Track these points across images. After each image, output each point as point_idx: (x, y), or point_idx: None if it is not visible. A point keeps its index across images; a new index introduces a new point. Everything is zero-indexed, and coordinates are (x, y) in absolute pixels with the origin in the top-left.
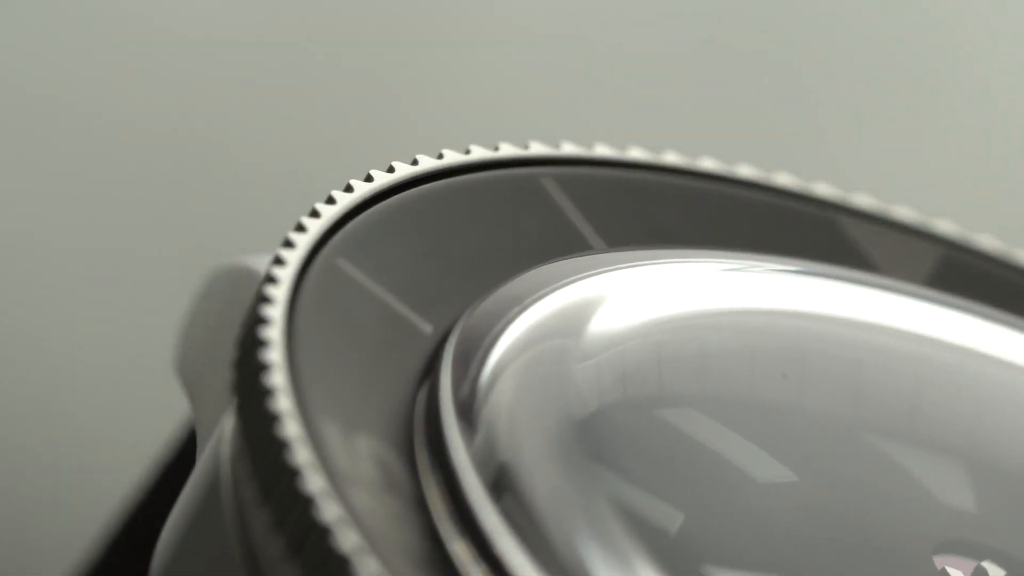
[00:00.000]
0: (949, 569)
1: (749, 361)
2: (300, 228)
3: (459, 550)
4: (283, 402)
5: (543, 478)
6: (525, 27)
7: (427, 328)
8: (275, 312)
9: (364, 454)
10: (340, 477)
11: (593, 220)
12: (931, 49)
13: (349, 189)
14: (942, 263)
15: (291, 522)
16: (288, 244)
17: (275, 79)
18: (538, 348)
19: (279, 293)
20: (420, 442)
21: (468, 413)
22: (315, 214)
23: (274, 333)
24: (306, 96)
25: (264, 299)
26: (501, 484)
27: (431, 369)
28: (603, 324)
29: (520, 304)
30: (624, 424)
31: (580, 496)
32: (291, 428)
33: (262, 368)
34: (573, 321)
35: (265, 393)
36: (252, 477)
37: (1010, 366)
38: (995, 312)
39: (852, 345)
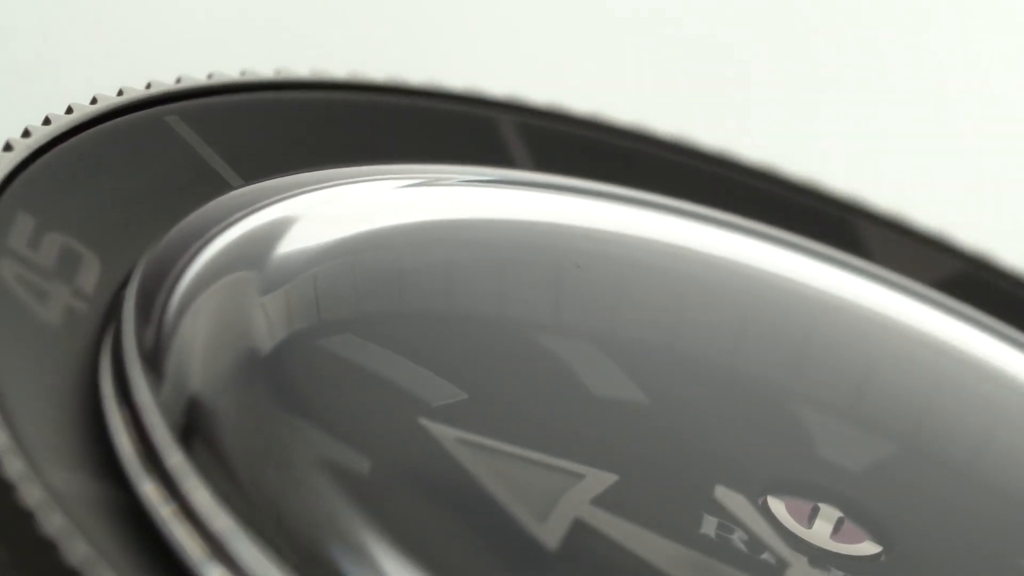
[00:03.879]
0: (773, 503)
1: (439, 276)
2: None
3: (149, 491)
4: None
5: (228, 414)
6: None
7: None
8: None
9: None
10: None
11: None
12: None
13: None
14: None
15: None
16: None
17: None
18: (220, 283)
19: None
20: (107, 391)
21: (154, 355)
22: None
23: None
24: None
25: None
26: (188, 423)
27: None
28: (285, 252)
29: (199, 239)
30: (309, 353)
31: (265, 431)
32: None
33: None
34: (254, 251)
35: None
36: None
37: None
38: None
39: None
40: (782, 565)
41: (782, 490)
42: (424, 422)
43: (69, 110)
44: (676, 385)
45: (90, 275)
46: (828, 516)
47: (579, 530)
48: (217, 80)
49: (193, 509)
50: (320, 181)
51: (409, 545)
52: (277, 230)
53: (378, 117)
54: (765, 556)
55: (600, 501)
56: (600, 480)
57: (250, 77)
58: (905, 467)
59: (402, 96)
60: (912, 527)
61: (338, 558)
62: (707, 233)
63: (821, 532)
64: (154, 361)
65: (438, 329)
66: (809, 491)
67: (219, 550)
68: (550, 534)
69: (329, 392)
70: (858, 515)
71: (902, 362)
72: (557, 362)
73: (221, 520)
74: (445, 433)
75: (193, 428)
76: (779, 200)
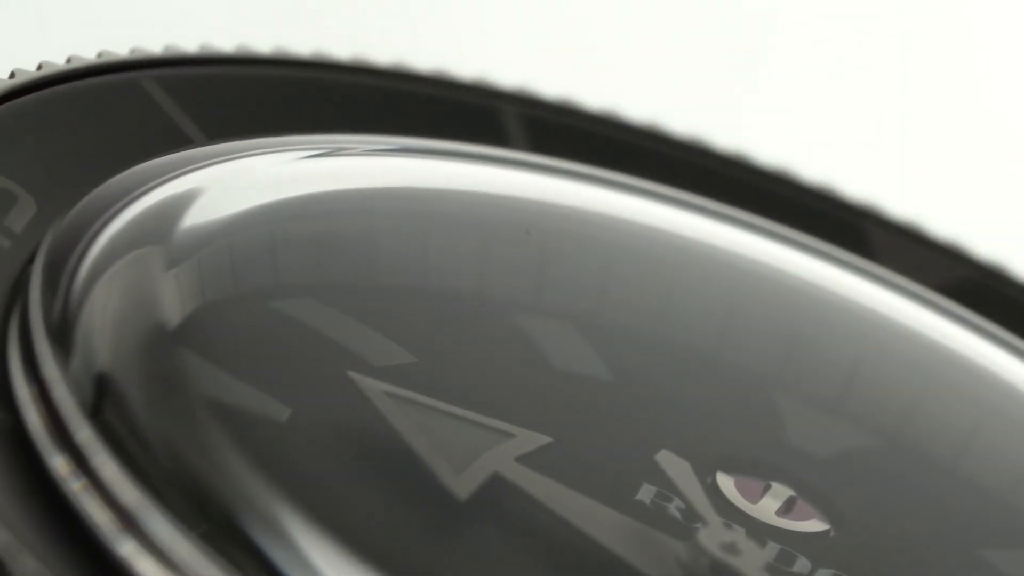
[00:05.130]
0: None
1: (344, 245)
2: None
3: (58, 465)
4: None
5: (136, 388)
6: None
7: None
8: None
9: None
10: None
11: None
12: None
13: None
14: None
15: None
16: None
17: None
18: (126, 258)
19: None
20: (15, 365)
21: (62, 331)
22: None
23: None
24: None
25: None
26: (97, 398)
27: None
28: (189, 226)
29: (104, 213)
30: (216, 326)
31: (174, 403)
32: None
33: None
34: (158, 226)
35: None
36: None
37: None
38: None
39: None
40: (713, 535)
41: (737, 469)
42: (344, 382)
43: (40, 67)
44: (645, 363)
45: (23, 216)
46: (778, 494)
47: (496, 484)
48: (204, 51)
49: (103, 483)
50: (224, 153)
51: (318, 511)
52: (181, 204)
53: (380, 101)
54: (696, 525)
55: (528, 460)
56: (531, 441)
57: (242, 52)
58: (875, 460)
59: (406, 82)
60: (869, 514)
61: (250, 528)
62: (669, 212)
63: (766, 508)
64: (62, 336)
65: (346, 297)
66: (766, 472)
67: (130, 523)
68: (463, 485)
69: (237, 364)
70: (813, 498)
71: (891, 360)
72: (499, 331)
73: (131, 493)
74: (365, 392)
75: (102, 402)
76: (792, 203)
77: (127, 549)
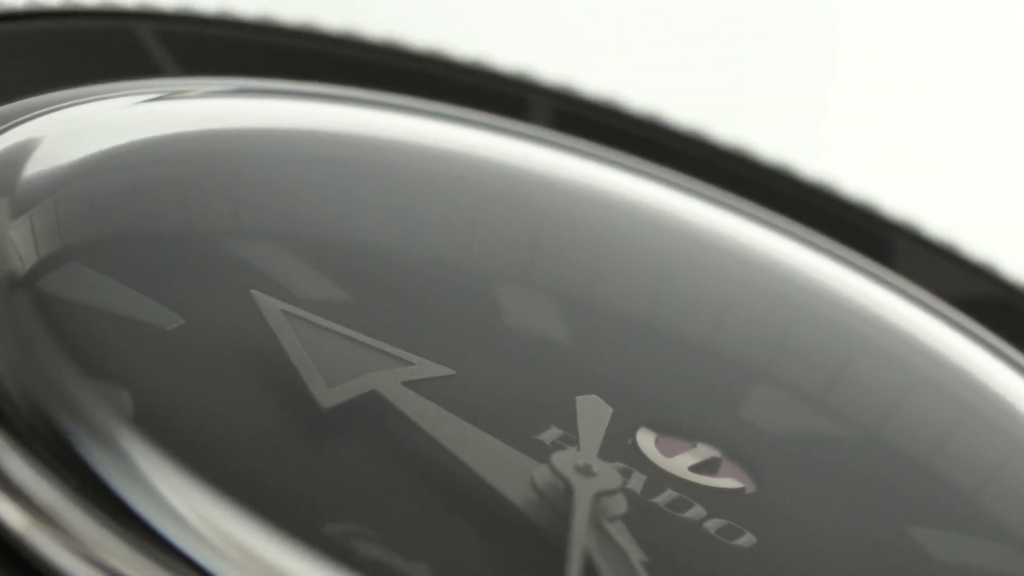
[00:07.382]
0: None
1: (192, 190)
2: None
3: None
4: None
5: None
6: None
7: None
8: None
9: None
10: None
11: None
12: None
13: None
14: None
15: None
16: None
17: None
18: None
19: None
20: None
21: None
22: None
23: None
24: None
25: None
26: None
27: None
28: (29, 175)
29: None
30: (65, 274)
31: (29, 350)
32: None
33: None
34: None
35: None
36: None
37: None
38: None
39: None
40: (571, 458)
41: (665, 427)
42: (208, 323)
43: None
44: (606, 329)
45: None
46: (698, 454)
47: (368, 400)
48: (218, 13)
49: None
50: (58, 101)
51: (174, 444)
52: (19, 154)
53: (412, 84)
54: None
55: (417, 385)
56: (429, 370)
57: (264, 20)
58: (829, 445)
59: (440, 68)
60: (793, 484)
61: (111, 470)
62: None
63: (680, 463)
64: None
65: (197, 242)
66: (694, 434)
67: None
68: (329, 396)
69: (88, 309)
70: (737, 462)
71: (874, 359)
72: (431, 274)
73: None
74: (237, 324)
75: None
76: (829, 214)
77: None
